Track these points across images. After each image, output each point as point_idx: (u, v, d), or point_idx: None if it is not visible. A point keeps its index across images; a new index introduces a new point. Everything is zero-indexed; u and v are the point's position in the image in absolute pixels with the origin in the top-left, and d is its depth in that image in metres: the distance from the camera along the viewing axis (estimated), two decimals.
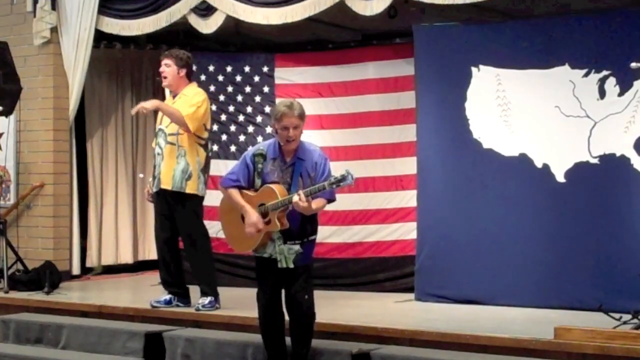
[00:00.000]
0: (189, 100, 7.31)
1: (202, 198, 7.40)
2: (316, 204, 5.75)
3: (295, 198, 5.63)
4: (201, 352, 6.62)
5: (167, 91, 9.10)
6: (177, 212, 7.34)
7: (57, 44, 9.21)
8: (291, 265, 5.80)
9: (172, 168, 7.28)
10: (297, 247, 5.81)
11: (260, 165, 5.90)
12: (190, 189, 7.26)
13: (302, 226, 5.84)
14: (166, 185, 7.30)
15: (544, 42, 7.35)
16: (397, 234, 8.38)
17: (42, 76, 9.27)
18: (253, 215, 5.83)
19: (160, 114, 7.47)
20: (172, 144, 7.31)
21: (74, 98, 9.19)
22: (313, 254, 5.97)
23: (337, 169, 8.47)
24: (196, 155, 7.29)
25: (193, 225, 7.37)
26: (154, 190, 7.43)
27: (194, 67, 7.78)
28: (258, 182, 5.89)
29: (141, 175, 7.62)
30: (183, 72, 7.40)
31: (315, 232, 5.93)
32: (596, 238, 7.11)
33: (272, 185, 5.82)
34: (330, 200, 5.87)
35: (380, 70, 8.51)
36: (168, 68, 7.38)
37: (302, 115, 5.84)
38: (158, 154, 7.39)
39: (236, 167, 6.06)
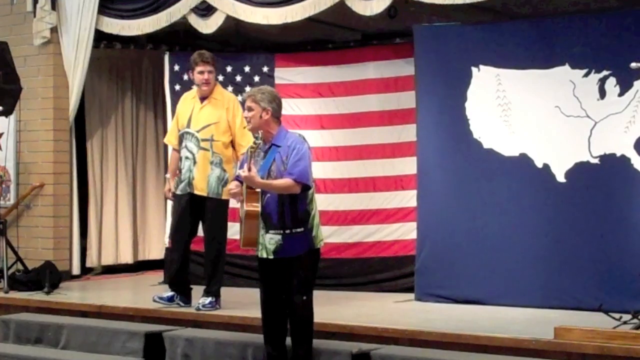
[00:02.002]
0: (231, 114, 7.31)
1: (229, 201, 7.41)
2: (275, 183, 5.74)
3: (240, 171, 5.67)
4: (201, 352, 6.62)
5: (166, 91, 9.17)
6: (208, 216, 7.33)
7: (57, 44, 9.21)
8: (270, 256, 5.79)
9: (206, 175, 7.28)
10: (277, 237, 5.79)
11: (258, 158, 5.96)
12: (226, 195, 7.22)
13: (281, 215, 5.79)
14: (201, 191, 7.29)
15: (544, 42, 7.35)
16: (397, 234, 8.38)
17: (42, 76, 9.27)
18: (231, 184, 5.97)
19: (187, 116, 7.43)
20: (205, 149, 7.30)
21: (74, 98, 9.19)
22: (302, 250, 5.84)
23: (337, 169, 8.59)
24: (233, 162, 7.27)
25: (221, 228, 7.39)
26: (179, 192, 7.41)
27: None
28: None
29: (167, 176, 7.67)
30: (215, 75, 7.47)
31: (299, 225, 5.82)
32: (596, 238, 7.10)
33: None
34: (302, 183, 5.77)
35: (380, 70, 8.51)
36: (211, 75, 7.39)
37: (255, 98, 5.92)
38: (187, 157, 7.35)
39: (240, 163, 6.19)
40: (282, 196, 5.77)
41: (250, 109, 5.92)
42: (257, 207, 5.76)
